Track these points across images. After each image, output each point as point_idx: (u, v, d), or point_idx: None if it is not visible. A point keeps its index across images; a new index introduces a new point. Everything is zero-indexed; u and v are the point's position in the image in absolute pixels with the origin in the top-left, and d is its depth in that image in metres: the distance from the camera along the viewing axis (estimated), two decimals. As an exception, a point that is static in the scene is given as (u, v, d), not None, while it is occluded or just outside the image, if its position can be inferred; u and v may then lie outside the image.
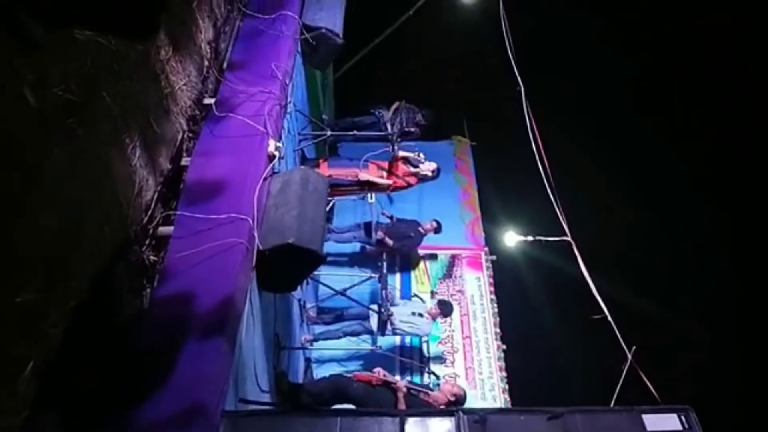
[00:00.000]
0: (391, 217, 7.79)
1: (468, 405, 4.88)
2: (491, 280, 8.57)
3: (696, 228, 11.17)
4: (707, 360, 9.95)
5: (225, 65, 5.03)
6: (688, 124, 11.30)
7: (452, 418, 3.29)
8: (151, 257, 3.55)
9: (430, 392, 5.01)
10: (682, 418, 3.39)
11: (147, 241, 3.53)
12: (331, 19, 6.36)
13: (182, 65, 4.20)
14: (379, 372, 5.17)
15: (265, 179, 4.19)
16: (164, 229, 3.66)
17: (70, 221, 2.64)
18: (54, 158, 2.49)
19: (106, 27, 2.42)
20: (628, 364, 5.16)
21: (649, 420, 3.38)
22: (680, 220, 11.30)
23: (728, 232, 11.01)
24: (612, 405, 4.34)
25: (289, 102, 5.50)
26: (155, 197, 3.64)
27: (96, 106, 2.89)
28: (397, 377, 5.98)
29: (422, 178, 6.73)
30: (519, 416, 3.45)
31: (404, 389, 4.95)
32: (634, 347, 5.20)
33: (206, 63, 4.73)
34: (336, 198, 6.96)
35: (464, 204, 9.58)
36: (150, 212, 3.56)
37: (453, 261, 8.81)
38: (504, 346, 7.94)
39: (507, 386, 7.60)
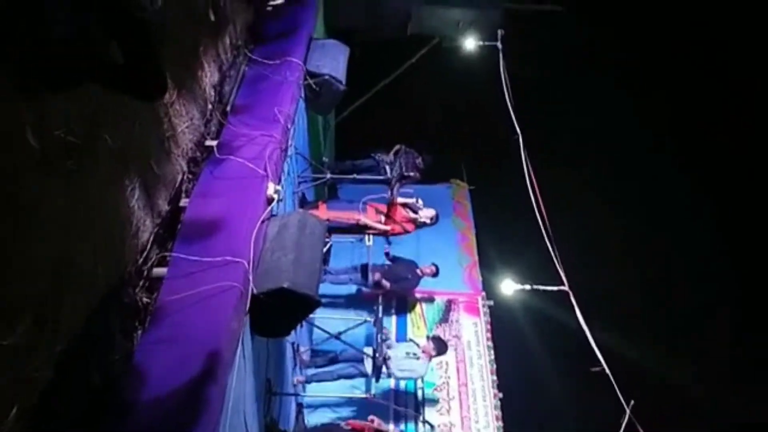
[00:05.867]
0: (387, 254, 7.73)
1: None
2: (488, 326, 8.48)
3: (700, 280, 11.10)
4: (704, 414, 9.75)
5: (229, 109, 5.10)
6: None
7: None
8: (144, 299, 3.51)
9: None
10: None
11: (141, 283, 3.50)
12: (335, 66, 6.49)
13: (186, 108, 4.26)
14: (374, 420, 5.06)
15: (262, 222, 4.20)
16: (159, 270, 3.63)
17: (64, 262, 2.62)
18: (51, 200, 2.49)
19: (114, 86, 2.47)
20: (626, 418, 5.05)
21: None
22: (682, 271, 11.26)
23: (730, 278, 10.94)
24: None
25: (290, 145, 5.55)
26: (151, 238, 3.62)
27: (97, 148, 2.91)
28: (391, 426, 5.84)
29: (420, 225, 6.77)
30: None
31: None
32: (632, 402, 5.09)
33: (210, 106, 4.80)
34: (333, 238, 6.96)
35: (462, 248, 9.57)
36: (145, 253, 3.55)
37: (450, 305, 8.73)
38: (500, 395, 7.79)
39: (503, 436, 7.43)
